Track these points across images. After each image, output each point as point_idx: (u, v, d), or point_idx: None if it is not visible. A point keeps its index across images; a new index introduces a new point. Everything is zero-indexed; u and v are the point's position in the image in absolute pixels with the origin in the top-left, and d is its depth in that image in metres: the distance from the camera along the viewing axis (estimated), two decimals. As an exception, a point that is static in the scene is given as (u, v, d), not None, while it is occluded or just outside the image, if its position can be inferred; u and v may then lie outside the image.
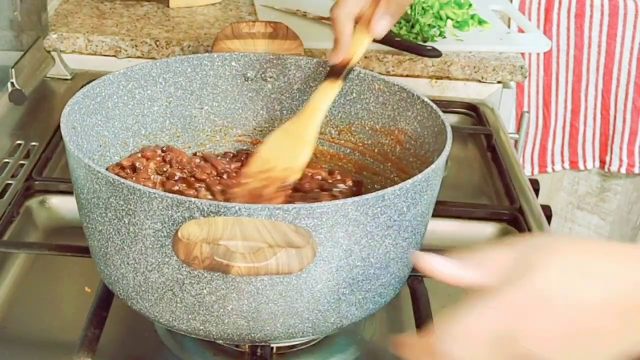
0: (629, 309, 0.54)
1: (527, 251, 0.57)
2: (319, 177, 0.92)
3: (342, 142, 0.96)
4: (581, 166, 2.08)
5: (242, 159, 0.95)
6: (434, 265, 0.58)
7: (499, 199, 1.11)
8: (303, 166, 0.87)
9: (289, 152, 0.87)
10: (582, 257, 0.56)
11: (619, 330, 0.54)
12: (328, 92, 0.88)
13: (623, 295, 0.54)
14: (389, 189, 0.70)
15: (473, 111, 1.32)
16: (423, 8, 1.41)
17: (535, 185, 1.19)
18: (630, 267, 0.55)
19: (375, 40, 1.36)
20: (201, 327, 0.73)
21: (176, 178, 0.90)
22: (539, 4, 1.94)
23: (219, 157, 0.96)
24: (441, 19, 1.44)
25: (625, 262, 0.56)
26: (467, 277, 0.57)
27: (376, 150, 0.94)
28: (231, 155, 0.98)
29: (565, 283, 0.54)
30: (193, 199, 0.66)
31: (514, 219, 1.04)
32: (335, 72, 0.88)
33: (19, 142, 1.15)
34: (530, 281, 0.55)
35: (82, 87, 0.87)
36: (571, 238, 0.58)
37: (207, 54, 0.96)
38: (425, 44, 1.35)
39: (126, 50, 1.37)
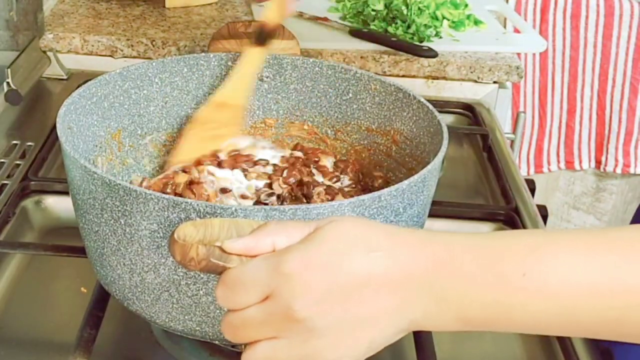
0: (403, 280, 0.55)
1: (320, 223, 0.58)
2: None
3: (338, 142, 0.96)
4: (577, 166, 2.08)
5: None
6: (232, 248, 0.58)
7: (494, 199, 1.11)
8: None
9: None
10: (365, 232, 0.57)
11: (394, 305, 0.56)
12: (258, 58, 0.93)
13: (398, 266, 0.55)
14: (385, 190, 0.70)
15: (469, 111, 1.32)
16: (419, 8, 1.42)
17: (531, 185, 1.19)
18: (408, 246, 0.57)
19: (371, 41, 1.37)
20: (197, 328, 0.73)
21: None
22: (535, 4, 1.95)
23: None
24: (437, 19, 1.44)
25: (404, 243, 0.57)
26: (253, 245, 0.58)
27: (372, 151, 0.94)
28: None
29: (345, 253, 0.55)
30: (189, 200, 0.66)
31: (510, 218, 1.04)
32: (262, 38, 0.91)
33: (14, 142, 1.15)
34: (311, 247, 0.56)
35: (78, 87, 0.87)
36: (362, 219, 0.60)
37: (203, 54, 0.96)
38: (422, 44, 1.36)
39: (122, 50, 1.37)
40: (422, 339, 0.82)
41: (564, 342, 0.85)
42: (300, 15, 1.45)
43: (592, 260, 0.56)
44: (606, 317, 0.56)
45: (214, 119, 0.92)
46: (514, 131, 1.51)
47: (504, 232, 0.60)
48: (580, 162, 2.08)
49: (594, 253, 0.56)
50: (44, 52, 1.37)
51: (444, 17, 1.45)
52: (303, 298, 0.54)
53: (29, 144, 1.14)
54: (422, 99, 0.87)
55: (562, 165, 2.08)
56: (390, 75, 1.34)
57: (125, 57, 1.37)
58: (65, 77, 1.36)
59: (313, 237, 0.56)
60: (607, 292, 0.55)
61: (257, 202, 0.85)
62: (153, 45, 1.36)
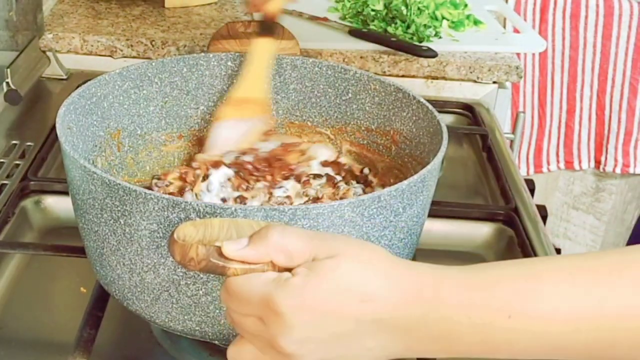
0: (391, 325, 0.57)
1: (319, 254, 0.58)
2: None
3: (338, 142, 0.96)
4: (576, 166, 2.08)
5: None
6: (232, 254, 0.59)
7: (494, 199, 1.11)
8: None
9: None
10: (361, 278, 0.58)
11: (379, 346, 0.58)
12: (267, 48, 0.92)
13: (388, 313, 0.57)
14: (385, 190, 0.70)
15: (469, 111, 1.32)
16: (419, 8, 1.42)
17: (530, 185, 1.19)
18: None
19: (371, 41, 1.37)
20: (197, 328, 0.73)
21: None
22: (534, 4, 1.95)
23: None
24: (437, 19, 1.44)
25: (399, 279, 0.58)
26: (253, 256, 0.59)
27: (372, 151, 0.94)
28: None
29: (337, 300, 0.57)
30: (189, 200, 0.66)
31: (510, 219, 1.04)
32: (265, 28, 0.91)
33: (14, 142, 1.15)
34: (304, 290, 0.57)
35: (77, 87, 0.87)
36: (363, 247, 0.60)
37: (202, 54, 0.96)
38: (421, 44, 1.36)
39: (122, 50, 1.37)
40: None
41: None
42: (300, 15, 1.45)
43: (577, 292, 0.57)
44: (593, 345, 0.57)
45: (235, 115, 0.92)
46: (514, 131, 1.51)
47: (489, 266, 0.61)
48: (580, 162, 2.08)
49: (578, 283, 0.57)
50: (44, 52, 1.37)
51: (443, 17, 1.45)
52: (290, 337, 0.56)
53: (29, 144, 1.14)
54: (422, 99, 0.87)
55: (562, 165, 2.08)
56: (389, 75, 1.34)
57: (124, 57, 1.37)
58: (64, 77, 1.36)
59: (310, 274, 0.57)
60: (594, 321, 0.56)
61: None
62: (152, 45, 1.36)
